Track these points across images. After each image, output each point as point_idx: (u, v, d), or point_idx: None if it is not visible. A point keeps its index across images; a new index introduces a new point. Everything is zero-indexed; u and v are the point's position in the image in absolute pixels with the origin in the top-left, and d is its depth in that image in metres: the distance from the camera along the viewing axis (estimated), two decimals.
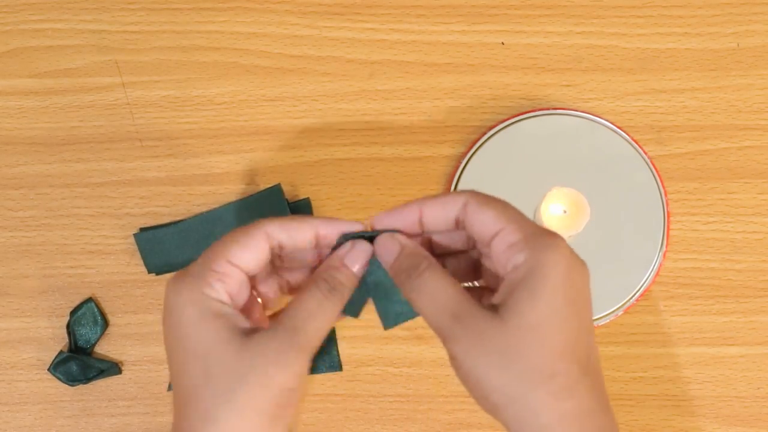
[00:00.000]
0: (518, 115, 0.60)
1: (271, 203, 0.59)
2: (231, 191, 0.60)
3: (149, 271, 0.59)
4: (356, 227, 0.42)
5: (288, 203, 0.59)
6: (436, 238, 0.43)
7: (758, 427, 0.58)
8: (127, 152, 0.61)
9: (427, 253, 0.41)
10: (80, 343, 0.58)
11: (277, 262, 0.44)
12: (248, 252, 0.40)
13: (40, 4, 0.62)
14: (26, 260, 0.60)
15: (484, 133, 0.60)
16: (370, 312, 0.43)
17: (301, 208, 0.59)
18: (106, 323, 0.59)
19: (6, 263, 0.60)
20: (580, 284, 0.38)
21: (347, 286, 0.41)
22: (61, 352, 0.58)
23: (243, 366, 0.37)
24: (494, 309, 0.37)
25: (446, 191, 0.59)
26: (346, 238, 0.42)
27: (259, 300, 0.45)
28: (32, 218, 0.60)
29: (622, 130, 0.60)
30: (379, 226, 0.42)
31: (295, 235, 0.41)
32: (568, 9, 0.62)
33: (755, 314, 0.59)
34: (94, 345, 0.59)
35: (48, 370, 0.58)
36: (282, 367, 0.37)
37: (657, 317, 0.59)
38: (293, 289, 0.45)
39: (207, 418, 0.37)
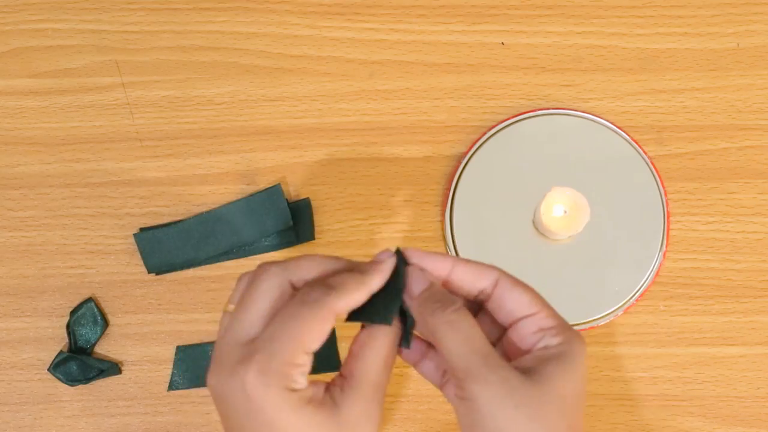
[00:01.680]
0: (518, 115, 0.60)
1: (271, 203, 0.59)
2: (231, 191, 0.60)
3: (149, 271, 0.59)
4: (386, 258, 0.41)
5: (288, 203, 0.59)
6: None
7: (758, 427, 0.58)
8: (127, 152, 0.61)
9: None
10: (80, 343, 0.58)
11: None
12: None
13: (40, 4, 0.62)
14: (26, 260, 0.60)
15: (484, 133, 0.60)
16: None
17: (301, 208, 0.59)
18: (106, 323, 0.59)
19: (6, 263, 0.60)
20: (587, 372, 0.42)
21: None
22: (61, 352, 0.58)
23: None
24: (522, 371, 0.38)
25: (447, 190, 0.59)
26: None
27: None
28: (32, 218, 0.60)
29: (622, 130, 0.60)
30: (411, 259, 0.42)
31: (358, 298, 0.41)
32: (568, 9, 0.62)
33: (755, 314, 0.59)
34: (94, 345, 0.59)
35: (48, 370, 0.58)
36: (368, 422, 0.39)
37: (657, 317, 0.59)
38: None
39: None
